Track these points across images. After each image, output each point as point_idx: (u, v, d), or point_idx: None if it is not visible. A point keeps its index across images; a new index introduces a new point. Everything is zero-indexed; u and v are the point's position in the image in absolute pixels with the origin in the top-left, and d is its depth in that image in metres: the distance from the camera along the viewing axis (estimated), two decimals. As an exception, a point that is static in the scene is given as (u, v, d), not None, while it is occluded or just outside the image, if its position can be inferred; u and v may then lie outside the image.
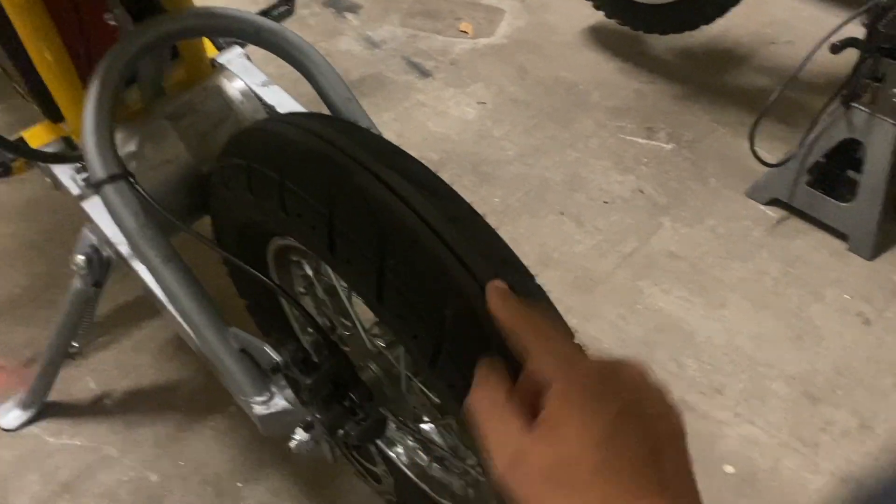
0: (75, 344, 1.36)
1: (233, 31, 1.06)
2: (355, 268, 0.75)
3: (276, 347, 0.90)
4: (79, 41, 1.09)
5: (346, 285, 1.03)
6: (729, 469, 1.36)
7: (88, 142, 0.95)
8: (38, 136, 1.21)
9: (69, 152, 1.18)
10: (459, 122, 2.05)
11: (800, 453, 1.39)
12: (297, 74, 1.08)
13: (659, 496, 0.43)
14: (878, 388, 1.49)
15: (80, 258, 1.17)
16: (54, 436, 1.37)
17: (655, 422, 0.47)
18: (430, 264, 0.72)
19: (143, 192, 0.95)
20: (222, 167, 0.92)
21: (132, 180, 0.96)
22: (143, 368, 1.46)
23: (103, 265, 1.19)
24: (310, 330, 1.17)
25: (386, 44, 2.31)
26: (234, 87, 1.16)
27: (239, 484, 1.30)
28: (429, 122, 2.04)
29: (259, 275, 0.87)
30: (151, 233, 0.95)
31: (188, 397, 1.42)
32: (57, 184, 1.22)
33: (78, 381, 1.43)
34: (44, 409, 1.39)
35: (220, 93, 1.14)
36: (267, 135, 0.87)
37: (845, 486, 1.34)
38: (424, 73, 2.21)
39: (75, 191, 1.17)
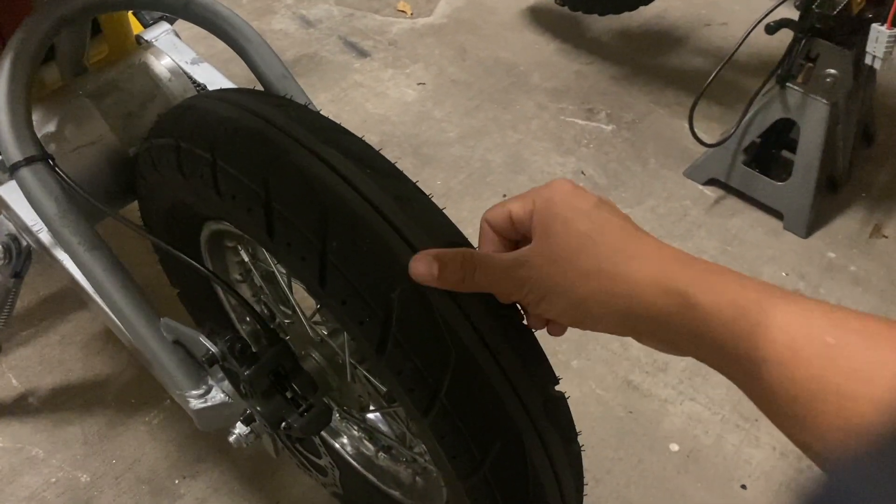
0: (-6, 339, 1.28)
1: (159, 3, 1.00)
2: (295, 252, 0.71)
3: (211, 338, 0.85)
4: (-11, 13, 1.02)
5: (285, 271, 0.99)
6: (674, 447, 1.37)
7: (2, 122, 0.88)
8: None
9: (-21, 134, 1.09)
10: (399, 104, 2.01)
11: (741, 429, 1.41)
12: (228, 55, 1.02)
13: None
14: (814, 363, 1.52)
15: (-3, 248, 1.10)
16: (-27, 437, 1.29)
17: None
18: (375, 246, 0.68)
19: (63, 175, 0.89)
20: (150, 147, 0.86)
21: (52, 163, 0.89)
22: (70, 363, 1.38)
23: (22, 255, 1.12)
24: (248, 319, 1.13)
25: (321, 23, 2.24)
26: (161, 65, 1.09)
27: (176, 481, 1.25)
28: (367, 104, 2.00)
29: (192, 262, 0.82)
30: (74, 219, 0.89)
31: (119, 392, 1.35)
32: (-32, 169, 1.13)
33: (-2, 379, 1.35)
34: (-39, 410, 1.31)
35: (146, 70, 1.08)
36: (197, 111, 0.81)
37: (785, 460, 1.37)
38: (362, 53, 2.15)
39: (-11, 175, 1.09)
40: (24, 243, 1.10)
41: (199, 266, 0.83)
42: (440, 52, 2.19)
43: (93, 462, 1.26)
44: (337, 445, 1.12)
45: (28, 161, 0.88)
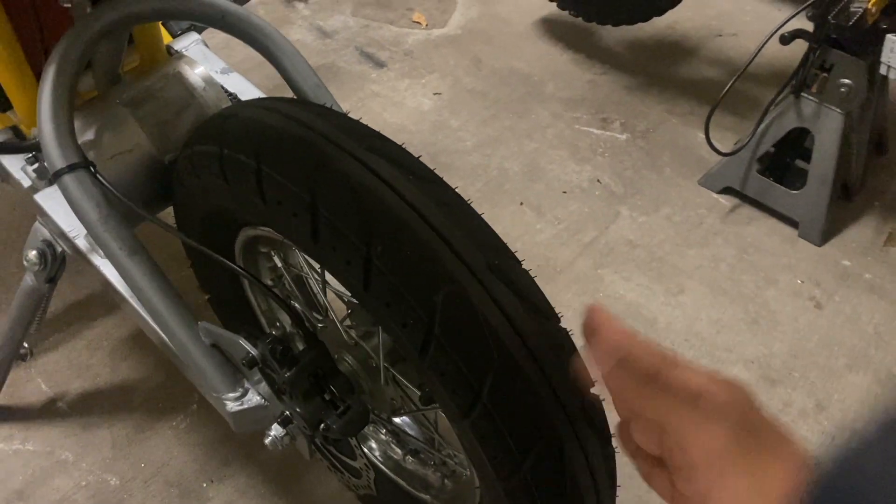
0: (25, 345, 1.30)
1: (196, 14, 1.02)
2: (340, 255, 0.73)
3: (250, 340, 0.87)
4: (31, 25, 1.04)
5: (319, 276, 1.00)
6: (694, 452, 1.38)
7: (46, 130, 0.91)
8: (-18, 128, 1.15)
9: (19, 142, 1.12)
10: (416, 113, 2.04)
11: (761, 434, 1.42)
12: (249, 65, 1.04)
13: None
14: (831, 370, 1.53)
15: (33, 254, 1.12)
16: (5, 441, 1.30)
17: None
18: (419, 249, 0.70)
19: (104, 181, 0.91)
20: (191, 154, 0.88)
21: (93, 169, 0.91)
22: (98, 368, 1.40)
23: (57, 260, 1.14)
24: (278, 324, 1.15)
25: (338, 34, 2.27)
26: (195, 74, 1.11)
27: (204, 484, 1.26)
28: (385, 113, 2.02)
29: (234, 266, 0.84)
30: (115, 224, 0.91)
31: (146, 397, 1.37)
32: (5, 176, 1.16)
33: (28, 384, 1.37)
34: (-8, 414, 1.33)
35: (181, 79, 1.10)
36: (240, 119, 0.84)
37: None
38: (379, 64, 2.18)
39: (27, 183, 1.11)
40: (59, 249, 1.12)
41: (240, 269, 0.85)
42: (455, 63, 2.21)
43: (121, 465, 1.27)
44: (367, 450, 1.14)
45: (71, 168, 0.90)
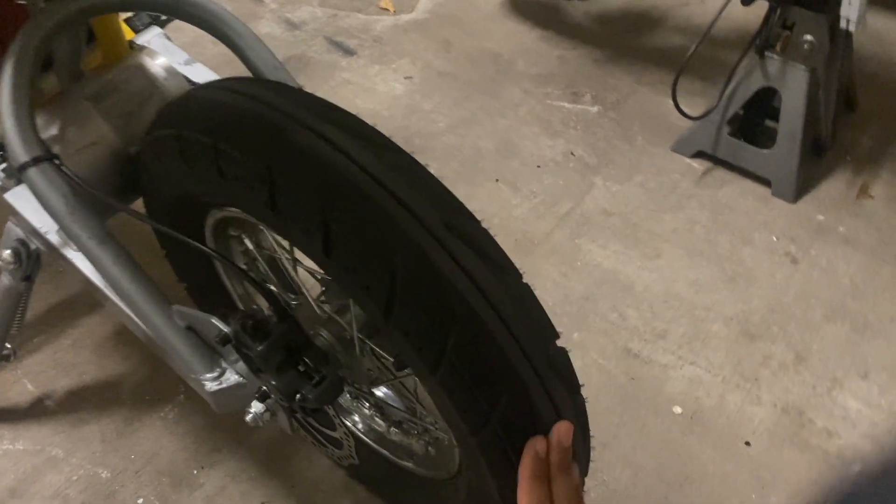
0: (8, 345, 1.31)
1: (149, 3, 1.03)
2: (299, 224, 0.74)
3: (223, 319, 0.89)
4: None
5: (288, 250, 1.02)
6: (677, 409, 1.41)
7: (8, 125, 0.92)
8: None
9: (-17, 142, 1.12)
10: (388, 98, 2.05)
11: (742, 388, 1.44)
12: (219, 60, 1.05)
13: None
14: (809, 322, 1.56)
15: (7, 253, 1.13)
16: (-6, 442, 1.31)
17: None
18: (375, 213, 0.72)
19: (69, 172, 0.92)
20: (152, 140, 0.90)
21: (58, 162, 0.92)
22: (84, 366, 1.41)
23: (32, 258, 1.15)
24: (255, 306, 1.16)
25: (306, 24, 2.28)
26: (156, 65, 1.12)
27: (195, 471, 1.28)
28: (357, 100, 2.03)
29: (200, 245, 0.86)
30: (83, 214, 0.92)
31: (133, 390, 1.38)
32: (-26, 178, 1.16)
33: (14, 385, 1.38)
34: (-21, 417, 1.34)
35: (142, 71, 1.11)
36: (196, 101, 0.85)
37: (787, 416, 1.40)
38: (348, 52, 2.19)
39: (-5, 182, 1.12)
40: (33, 247, 1.13)
41: (207, 249, 0.86)
42: (425, 47, 2.22)
43: (112, 458, 1.29)
44: (349, 424, 1.15)
45: (35, 161, 0.91)
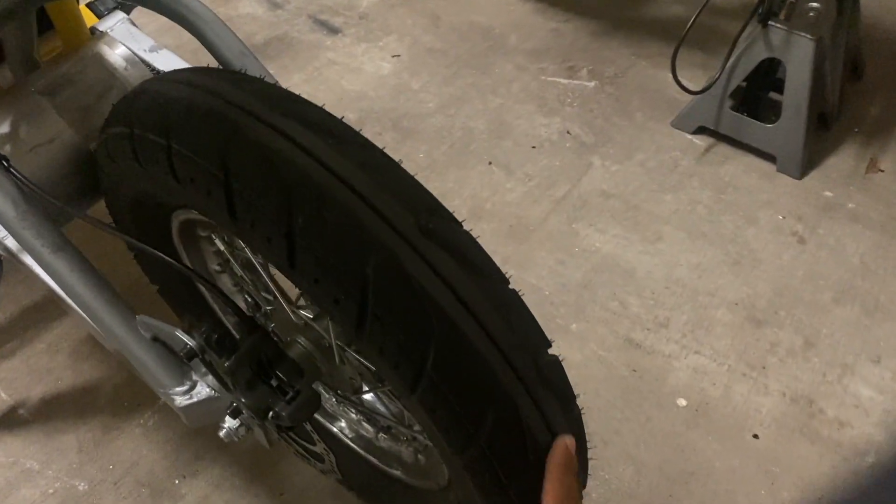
0: (-23, 353, 1.25)
1: (102, -13, 0.95)
2: (260, 232, 0.67)
3: (189, 331, 0.82)
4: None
5: (257, 255, 0.95)
6: (681, 402, 1.34)
7: (-52, 125, 0.84)
8: None
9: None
10: (375, 78, 1.96)
11: (749, 377, 1.38)
12: (195, 44, 0.98)
13: None
14: (818, 305, 1.49)
15: (-35, 258, 1.06)
16: (-34, 455, 1.26)
17: None
18: (343, 219, 0.65)
19: (18, 175, 0.85)
20: (106, 138, 0.82)
21: (6, 164, 0.85)
22: (59, 371, 1.35)
23: (-7, 263, 1.08)
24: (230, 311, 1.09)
25: (289, 3, 2.18)
26: (115, 54, 1.05)
27: (176, 481, 1.22)
28: (343, 81, 1.95)
29: (157, 252, 0.79)
30: (34, 220, 0.85)
31: (111, 396, 1.32)
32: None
33: (-14, 394, 1.32)
34: (-49, 428, 1.28)
35: (100, 61, 1.04)
36: (149, 95, 0.77)
37: (796, 406, 1.34)
38: (333, 30, 2.10)
39: (-53, 185, 1.05)
40: (-7, 252, 1.06)
41: (162, 256, 0.79)
42: (412, 22, 2.13)
43: (90, 469, 1.23)
44: (335, 430, 1.09)
45: (-20, 164, 0.84)
